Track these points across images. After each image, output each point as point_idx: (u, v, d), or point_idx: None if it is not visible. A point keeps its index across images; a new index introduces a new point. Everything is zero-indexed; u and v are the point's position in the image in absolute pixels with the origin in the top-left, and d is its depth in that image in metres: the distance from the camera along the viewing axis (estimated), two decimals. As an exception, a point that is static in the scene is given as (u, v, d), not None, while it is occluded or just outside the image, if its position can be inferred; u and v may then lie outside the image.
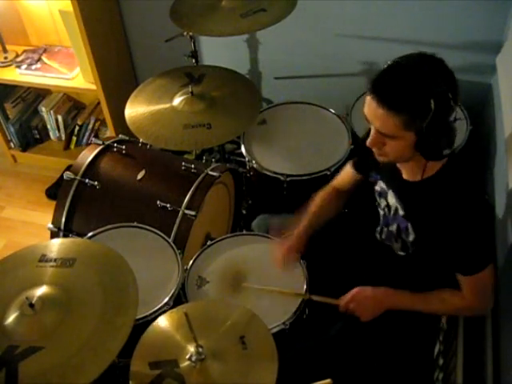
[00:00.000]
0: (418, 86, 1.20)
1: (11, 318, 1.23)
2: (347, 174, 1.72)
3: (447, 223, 1.34)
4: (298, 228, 1.69)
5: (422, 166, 1.35)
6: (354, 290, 1.52)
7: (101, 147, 2.07)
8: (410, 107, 1.21)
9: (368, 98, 1.26)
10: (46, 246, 1.42)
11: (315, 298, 1.60)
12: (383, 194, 1.55)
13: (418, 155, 1.31)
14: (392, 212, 1.52)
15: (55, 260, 1.35)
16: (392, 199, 1.51)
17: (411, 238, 1.48)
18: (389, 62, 1.26)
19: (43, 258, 1.36)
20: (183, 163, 1.99)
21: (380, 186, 1.56)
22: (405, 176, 1.44)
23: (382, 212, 1.59)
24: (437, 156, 1.30)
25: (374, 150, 1.37)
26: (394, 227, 1.54)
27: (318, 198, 1.73)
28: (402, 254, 1.57)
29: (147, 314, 1.56)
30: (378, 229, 1.64)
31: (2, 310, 1.25)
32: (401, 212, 1.48)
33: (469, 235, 1.34)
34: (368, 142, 1.34)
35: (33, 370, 1.15)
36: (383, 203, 1.56)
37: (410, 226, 1.46)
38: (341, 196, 1.74)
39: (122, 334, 1.19)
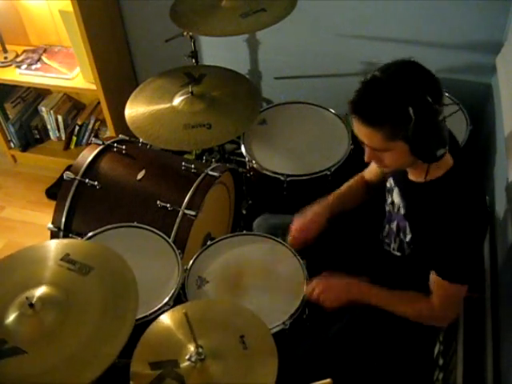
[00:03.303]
0: (393, 98, 1.22)
1: (13, 312, 1.23)
2: (374, 166, 1.71)
3: (443, 229, 1.34)
4: (317, 205, 1.69)
5: (425, 167, 1.35)
6: (319, 277, 1.54)
7: (101, 147, 2.06)
8: (389, 120, 1.24)
9: (353, 119, 1.30)
10: (73, 245, 1.42)
11: None
12: (390, 191, 1.56)
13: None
14: (395, 210, 1.53)
15: (75, 264, 1.34)
16: (397, 197, 1.52)
17: (408, 237, 1.48)
18: (363, 79, 1.29)
19: (66, 258, 1.35)
20: (183, 163, 1.99)
21: (389, 182, 1.57)
22: (410, 176, 1.45)
23: (387, 208, 1.60)
24: (432, 158, 1.30)
25: (375, 163, 1.41)
26: (394, 225, 1.55)
27: (346, 184, 1.74)
28: (397, 254, 1.57)
29: (147, 313, 1.56)
30: (382, 226, 1.65)
31: (15, 296, 1.25)
32: (402, 211, 1.49)
33: (461, 244, 1.34)
34: (365, 158, 1.39)
35: (10, 372, 1.15)
36: (389, 200, 1.57)
37: (407, 225, 1.47)
38: (368, 186, 1.73)
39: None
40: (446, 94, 2.12)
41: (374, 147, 1.32)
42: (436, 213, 1.35)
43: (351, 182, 1.75)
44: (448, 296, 1.40)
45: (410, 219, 1.46)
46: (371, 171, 1.72)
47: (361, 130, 1.30)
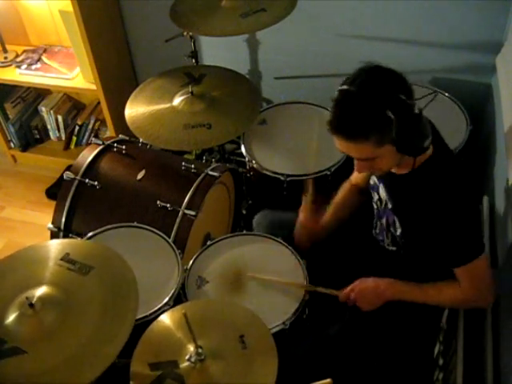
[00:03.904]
0: (370, 107, 1.23)
1: (13, 312, 1.23)
2: None
3: (432, 214, 1.35)
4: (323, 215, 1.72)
5: (411, 160, 1.36)
6: (356, 281, 1.53)
7: (101, 147, 2.06)
8: (373, 129, 1.25)
9: (335, 138, 1.30)
10: (73, 245, 1.42)
11: (318, 289, 1.60)
12: (375, 188, 1.57)
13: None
14: (383, 205, 1.54)
15: (75, 264, 1.34)
16: (383, 193, 1.53)
17: (398, 231, 1.49)
18: (333, 96, 1.30)
19: (66, 258, 1.36)
20: (183, 163, 1.99)
21: (373, 179, 1.58)
22: (393, 169, 1.45)
23: (375, 206, 1.61)
24: (420, 151, 1.32)
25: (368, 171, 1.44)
26: (384, 221, 1.56)
27: (339, 193, 1.75)
28: (392, 249, 1.58)
29: (147, 313, 1.56)
30: (374, 223, 1.65)
31: (14, 296, 1.26)
32: (389, 205, 1.50)
33: (454, 225, 1.35)
34: (356, 170, 1.41)
35: (10, 372, 1.15)
36: (376, 197, 1.58)
37: (396, 219, 1.48)
38: (359, 191, 1.74)
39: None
40: (446, 95, 2.13)
41: (364, 158, 1.34)
42: (422, 200, 1.36)
43: (343, 193, 1.75)
44: (473, 277, 1.39)
45: (398, 212, 1.47)
46: (357, 175, 1.73)
47: (346, 147, 1.30)
